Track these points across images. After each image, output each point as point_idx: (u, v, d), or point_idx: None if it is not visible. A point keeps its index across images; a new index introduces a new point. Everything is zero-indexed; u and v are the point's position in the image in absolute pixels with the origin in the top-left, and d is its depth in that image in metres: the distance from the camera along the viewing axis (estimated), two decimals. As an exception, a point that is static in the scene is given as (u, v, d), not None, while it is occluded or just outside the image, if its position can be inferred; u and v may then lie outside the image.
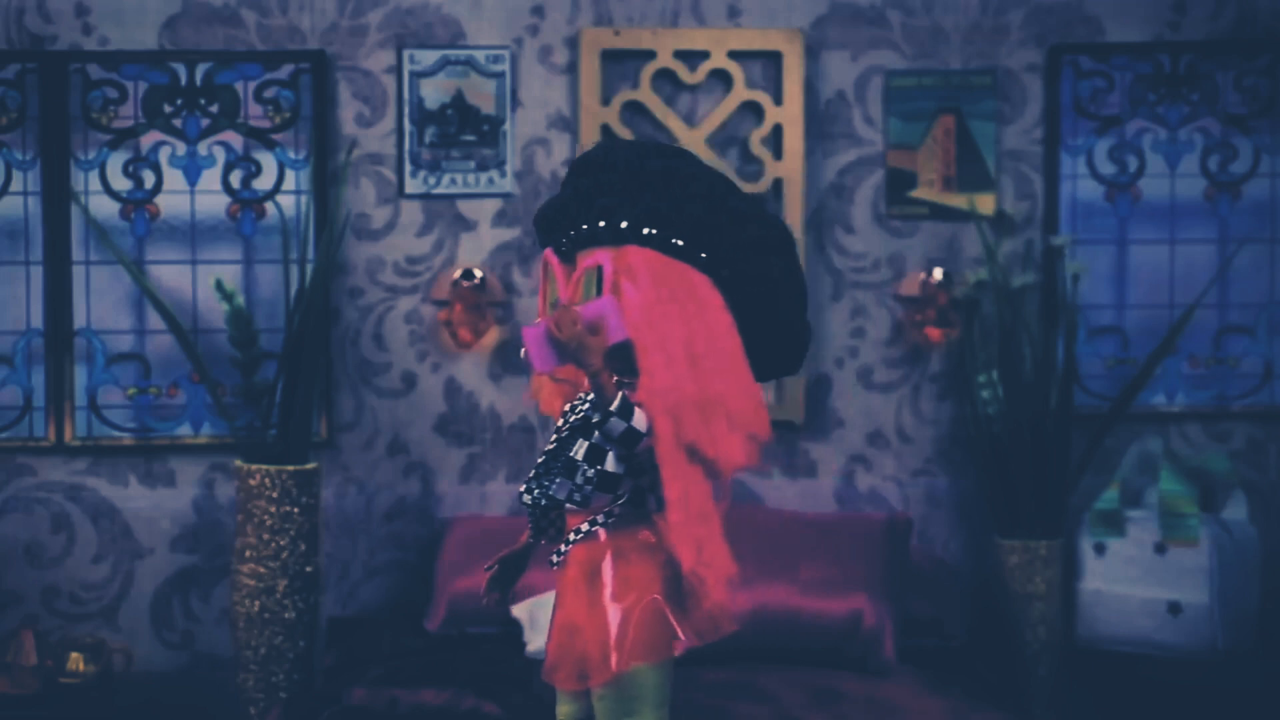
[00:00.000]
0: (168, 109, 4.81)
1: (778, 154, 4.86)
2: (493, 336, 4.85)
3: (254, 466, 4.43)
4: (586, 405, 2.81)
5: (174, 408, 4.85)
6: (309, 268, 4.59)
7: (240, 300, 4.54)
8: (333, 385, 4.85)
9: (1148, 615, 4.60)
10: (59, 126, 4.77)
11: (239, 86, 4.82)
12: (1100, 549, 4.67)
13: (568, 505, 2.82)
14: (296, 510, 4.44)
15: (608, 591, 2.79)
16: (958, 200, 4.91)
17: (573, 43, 4.87)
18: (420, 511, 4.89)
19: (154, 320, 4.78)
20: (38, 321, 4.81)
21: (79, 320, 4.81)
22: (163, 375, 4.85)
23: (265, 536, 4.43)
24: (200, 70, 4.81)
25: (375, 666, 4.21)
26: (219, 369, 4.76)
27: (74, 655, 4.48)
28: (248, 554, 4.45)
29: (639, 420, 2.69)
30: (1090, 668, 4.67)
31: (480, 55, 4.85)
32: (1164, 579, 4.59)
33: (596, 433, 2.76)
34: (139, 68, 4.79)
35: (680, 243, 2.79)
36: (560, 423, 2.88)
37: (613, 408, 2.68)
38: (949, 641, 4.58)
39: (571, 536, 2.82)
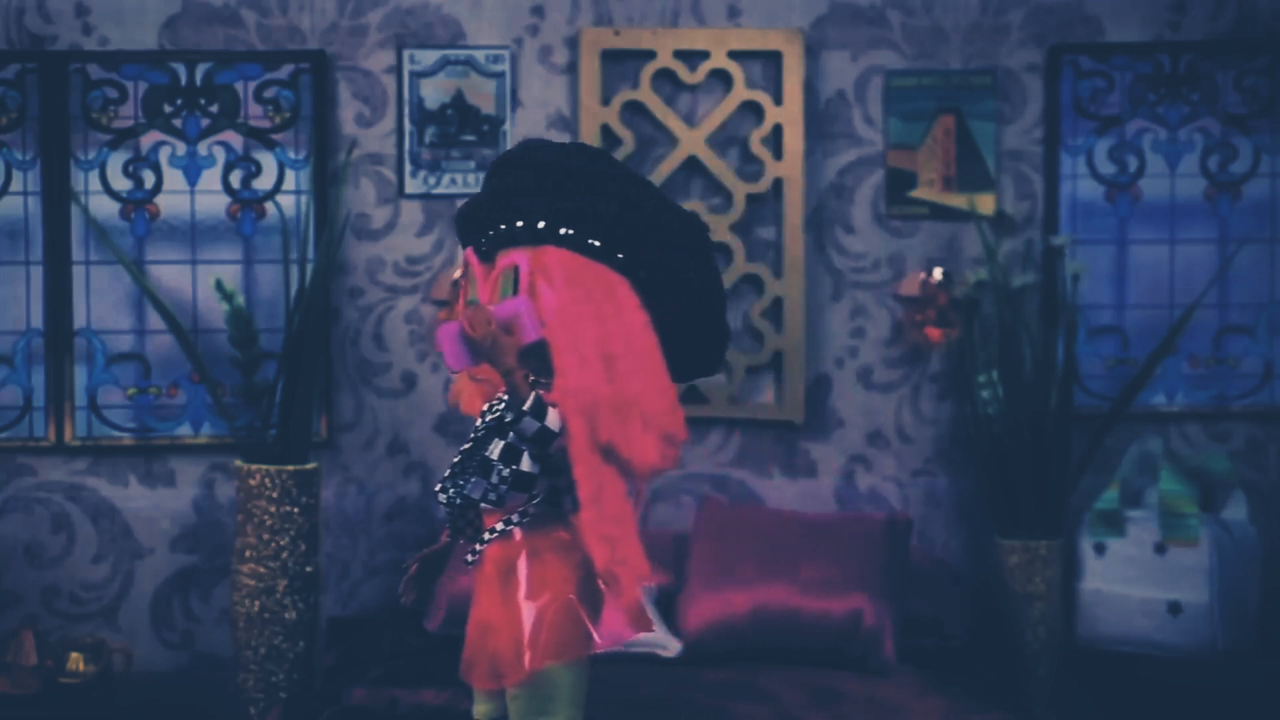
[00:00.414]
0: (168, 109, 4.81)
1: (778, 154, 4.86)
2: (493, 336, 4.84)
3: (254, 466, 4.43)
4: (502, 405, 2.82)
5: (174, 408, 4.85)
6: (309, 268, 4.59)
7: (240, 300, 4.54)
8: (333, 385, 4.85)
9: (1148, 615, 4.60)
10: (59, 126, 4.77)
11: (239, 86, 4.82)
12: (1100, 549, 4.67)
13: (483, 504, 2.82)
14: (296, 510, 4.44)
15: (521, 590, 2.80)
16: (958, 200, 4.90)
17: (573, 43, 4.87)
18: (420, 511, 4.89)
19: (154, 320, 4.78)
20: (38, 321, 4.81)
21: (79, 320, 4.81)
22: (163, 375, 4.85)
23: (265, 536, 4.43)
24: (200, 70, 4.81)
25: (375, 666, 4.21)
26: (219, 369, 4.76)
27: (74, 655, 4.48)
28: (248, 554, 4.45)
29: (553, 420, 2.70)
30: (1090, 668, 4.67)
31: (480, 55, 4.85)
32: (1164, 579, 4.59)
33: (511, 432, 2.77)
34: (139, 68, 4.79)
35: (597, 243, 2.79)
36: (478, 422, 2.89)
37: (526, 407, 2.69)
38: (949, 641, 4.58)
39: (486, 535, 2.83)
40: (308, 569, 4.48)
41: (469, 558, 2.86)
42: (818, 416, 4.92)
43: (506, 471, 2.80)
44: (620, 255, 2.81)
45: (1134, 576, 4.63)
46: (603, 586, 2.79)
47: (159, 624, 4.89)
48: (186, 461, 4.87)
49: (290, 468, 4.44)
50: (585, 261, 2.79)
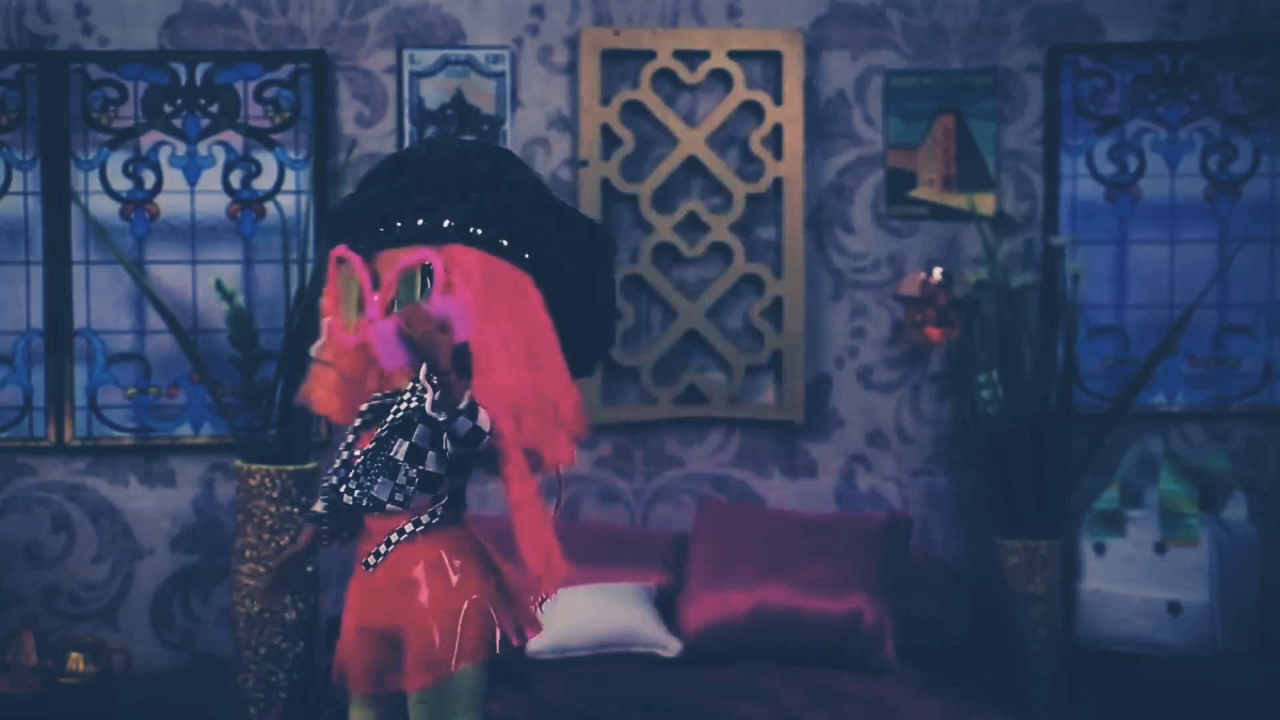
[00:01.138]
0: (168, 109, 4.81)
1: (778, 154, 4.86)
2: (493, 336, 4.84)
3: (254, 466, 4.43)
4: (404, 404, 2.81)
5: (174, 408, 4.85)
6: (309, 268, 4.59)
7: (240, 300, 4.54)
8: (333, 385, 4.84)
9: (1148, 615, 4.60)
10: (59, 126, 4.77)
11: (239, 86, 4.82)
12: (1100, 549, 4.67)
13: (389, 505, 2.81)
14: (296, 510, 4.44)
15: (425, 594, 2.79)
16: (958, 200, 4.90)
17: (573, 43, 4.86)
18: (420, 511, 4.89)
19: (154, 320, 4.78)
20: (38, 321, 4.81)
21: (79, 320, 4.81)
22: (163, 375, 4.85)
23: (265, 536, 4.43)
24: (200, 70, 4.81)
25: (375, 666, 4.20)
26: (219, 369, 4.76)
27: (74, 655, 4.48)
28: (248, 554, 4.45)
29: (483, 419, 2.69)
30: (1090, 668, 4.67)
31: (480, 55, 4.85)
32: (1164, 579, 4.59)
33: (417, 432, 2.76)
34: (139, 68, 4.79)
35: (506, 243, 2.79)
36: (358, 422, 2.87)
37: (461, 407, 2.67)
38: (949, 641, 4.58)
39: (393, 537, 2.82)
40: (308, 569, 4.47)
41: (371, 560, 2.85)
42: (818, 416, 4.92)
43: (414, 472, 2.80)
44: (527, 255, 2.81)
45: (1134, 576, 4.63)
46: (511, 588, 2.81)
47: (159, 624, 4.89)
48: (186, 461, 4.86)
49: (290, 468, 4.44)
50: (496, 261, 2.78)
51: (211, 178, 4.84)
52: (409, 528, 2.81)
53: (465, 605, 2.78)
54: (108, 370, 4.82)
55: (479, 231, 2.77)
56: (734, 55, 4.86)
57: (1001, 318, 4.63)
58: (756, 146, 4.85)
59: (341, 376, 2.93)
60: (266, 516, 4.43)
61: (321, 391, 2.96)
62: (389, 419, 2.82)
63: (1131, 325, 4.95)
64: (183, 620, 4.89)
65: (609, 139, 4.85)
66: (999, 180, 4.91)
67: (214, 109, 4.82)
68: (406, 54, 4.83)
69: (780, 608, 4.33)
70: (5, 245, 4.81)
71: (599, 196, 4.80)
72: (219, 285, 4.51)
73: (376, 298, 2.75)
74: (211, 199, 4.85)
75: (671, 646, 4.35)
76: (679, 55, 4.86)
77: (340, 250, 2.82)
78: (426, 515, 2.81)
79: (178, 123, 4.82)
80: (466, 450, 2.73)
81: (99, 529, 4.86)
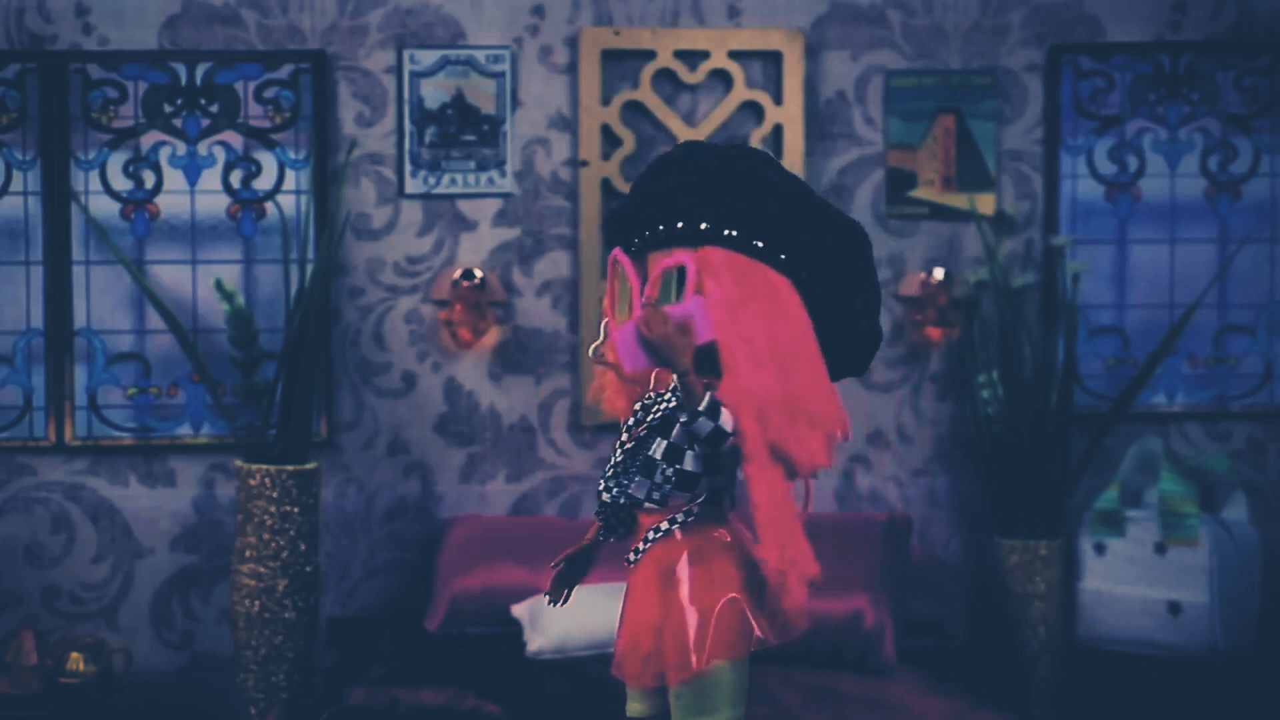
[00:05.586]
0: (168, 109, 4.81)
1: (778, 154, 4.86)
2: (493, 336, 4.85)
3: (254, 466, 4.43)
4: (664, 404, 2.83)
5: (174, 408, 4.85)
6: (309, 268, 4.59)
7: (240, 300, 4.54)
8: (333, 385, 4.85)
9: (1148, 615, 4.60)
10: (59, 126, 4.77)
11: (239, 86, 4.82)
12: (1100, 549, 4.67)
13: (646, 504, 2.83)
14: (296, 510, 4.44)
15: (685, 590, 2.81)
16: (958, 200, 4.91)
17: (573, 42, 4.87)
18: (420, 511, 4.89)
19: (154, 320, 4.78)
20: (38, 321, 4.81)
21: (79, 320, 4.81)
22: (163, 375, 4.85)
23: (265, 536, 4.43)
24: (200, 70, 4.81)
25: (375, 666, 4.21)
26: (219, 369, 4.76)
27: (74, 655, 4.48)
28: (248, 554, 4.45)
29: (726, 420, 2.71)
30: (1090, 668, 4.67)
31: (480, 55, 4.85)
32: (1164, 579, 4.59)
33: (675, 432, 2.78)
34: (139, 68, 4.79)
35: (760, 244, 2.80)
36: (630, 421, 2.89)
37: (701, 408, 2.70)
38: (949, 641, 4.58)
39: (650, 535, 2.84)
40: (308, 569, 4.48)
41: (631, 557, 2.88)
42: (818, 416, 4.92)
43: (670, 471, 2.81)
44: (783, 256, 2.82)
45: (1134, 576, 4.63)
46: (771, 585, 2.81)
47: (159, 624, 4.89)
48: (186, 461, 4.87)
49: (290, 468, 4.44)
50: (750, 262, 2.79)
51: (211, 178, 4.84)
52: (665, 525, 2.83)
53: (721, 602, 2.79)
54: (108, 370, 4.82)
55: (734, 233, 2.79)
56: (734, 55, 4.86)
57: (1001, 318, 4.63)
58: (757, 146, 4.85)
59: (620, 377, 2.95)
60: (266, 516, 4.43)
61: (609, 392, 2.99)
62: (649, 419, 2.85)
63: (1131, 325, 4.96)
64: (183, 620, 4.89)
65: (609, 139, 4.85)
66: (999, 180, 4.91)
67: (214, 109, 4.82)
68: (406, 54, 4.83)
69: (780, 608, 4.33)
70: (5, 245, 4.81)
71: (599, 196, 4.80)
72: (219, 285, 4.51)
73: (642, 299, 2.78)
74: (211, 199, 4.85)
75: (672, 646, 4.35)
76: (679, 55, 4.86)
77: (615, 253, 2.85)
78: (682, 514, 2.83)
79: (178, 123, 4.82)
80: (710, 450, 2.75)
81: (99, 529, 4.86)
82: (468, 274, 4.80)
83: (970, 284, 4.78)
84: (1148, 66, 4.92)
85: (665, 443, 2.81)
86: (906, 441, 4.94)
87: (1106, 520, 4.65)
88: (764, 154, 2.87)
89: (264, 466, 4.43)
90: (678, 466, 2.81)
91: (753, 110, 4.88)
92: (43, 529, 4.85)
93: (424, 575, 4.81)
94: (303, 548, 4.45)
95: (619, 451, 2.88)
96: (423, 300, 4.88)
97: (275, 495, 4.42)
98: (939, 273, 4.86)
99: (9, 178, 4.80)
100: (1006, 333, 4.62)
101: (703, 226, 2.79)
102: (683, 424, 2.73)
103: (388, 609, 4.87)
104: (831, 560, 4.41)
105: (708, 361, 2.75)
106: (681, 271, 2.78)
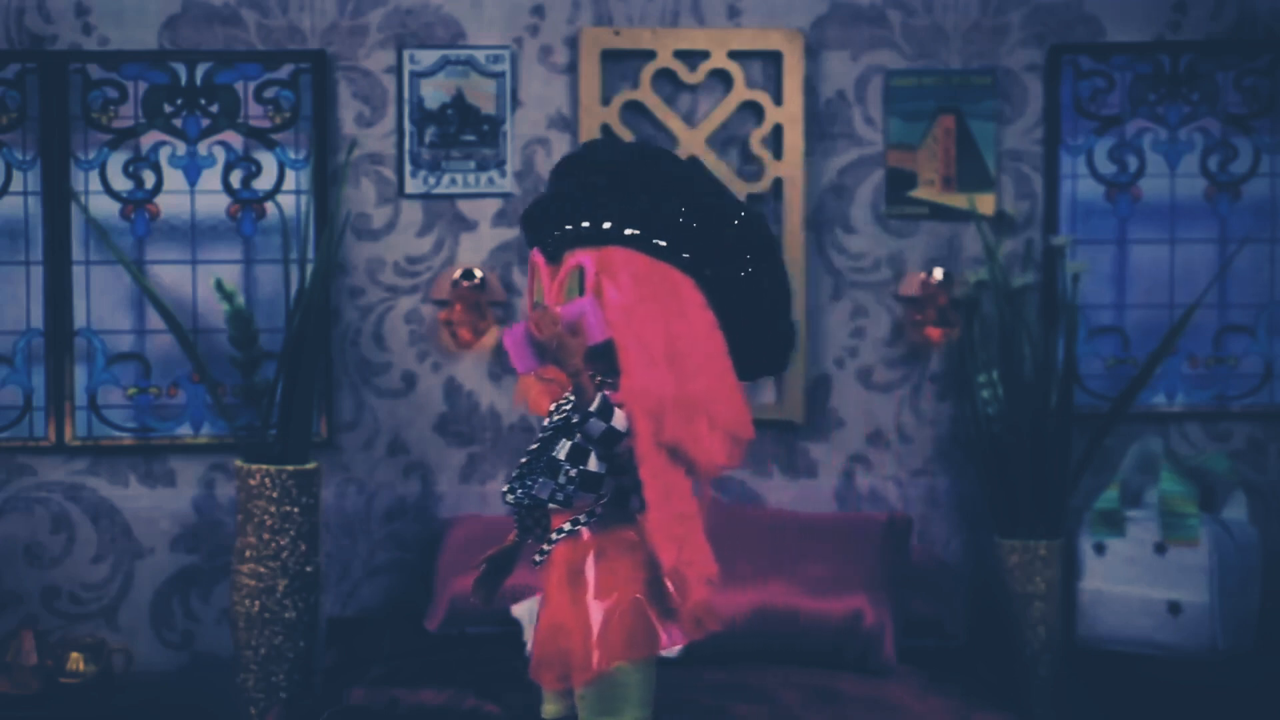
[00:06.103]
0: (168, 109, 4.81)
1: (778, 154, 4.86)
2: (493, 336, 4.85)
3: (254, 466, 4.43)
4: (569, 406, 2.82)
5: (174, 408, 4.85)
6: (309, 268, 4.59)
7: (240, 300, 4.54)
8: (333, 385, 4.85)
9: (1148, 615, 4.60)
10: (59, 126, 4.77)
11: (239, 86, 4.82)
12: (1100, 549, 4.67)
13: (550, 505, 2.83)
14: (296, 510, 4.44)
15: (590, 590, 2.80)
16: (958, 200, 4.91)
17: (573, 42, 4.87)
18: (420, 511, 4.89)
19: (154, 320, 4.78)
20: (38, 321, 4.81)
21: (79, 320, 4.81)
22: (163, 375, 4.85)
23: (265, 536, 4.43)
24: (200, 70, 4.81)
25: (375, 666, 4.21)
26: (219, 369, 4.76)
27: (74, 655, 4.48)
28: (248, 554, 4.45)
29: (619, 420, 2.70)
30: (1090, 668, 4.67)
31: (480, 55, 4.85)
32: (1164, 579, 4.59)
33: (578, 433, 2.77)
34: (139, 68, 4.79)
35: (662, 243, 2.80)
36: (545, 422, 2.89)
37: (592, 408, 2.69)
38: (949, 641, 4.58)
39: (554, 536, 2.83)
40: (308, 569, 4.48)
41: (536, 558, 2.87)
42: (818, 416, 4.92)
43: (574, 472, 2.80)
44: (685, 255, 2.81)
45: (1134, 576, 4.63)
46: (669, 587, 2.80)
47: (159, 624, 4.89)
48: (186, 461, 4.87)
49: (290, 468, 4.44)
50: (651, 261, 2.79)
51: (211, 178, 4.84)
52: (568, 526, 2.82)
53: (622, 604, 2.78)
54: (108, 370, 4.82)
55: (635, 232, 2.79)
56: (734, 55, 4.86)
57: (1001, 318, 4.63)
58: (756, 146, 4.85)
59: (540, 378, 2.95)
60: (266, 516, 4.43)
61: (533, 393, 2.99)
62: (552, 419, 2.85)
63: (1131, 325, 4.96)
64: (183, 620, 4.89)
65: (609, 139, 4.85)
66: (999, 180, 4.91)
67: (214, 109, 4.82)
68: (406, 54, 4.83)
69: (780, 608, 4.33)
70: (5, 245, 4.81)
71: (599, 196, 4.80)
72: (219, 285, 4.51)
73: (533, 300, 2.79)
74: (211, 199, 4.85)
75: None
76: (679, 55, 4.86)
77: (533, 254, 2.86)
78: (585, 515, 2.82)
79: (178, 123, 4.82)
80: (605, 451, 2.75)
81: (99, 529, 4.86)
82: (468, 274, 4.80)
83: (970, 284, 4.78)
84: (1148, 66, 4.92)
85: (569, 443, 2.80)
86: (906, 441, 4.94)
87: (1106, 520, 4.65)
88: (666, 152, 2.87)
89: (264, 466, 4.43)
90: (581, 467, 2.79)
91: (753, 110, 4.88)
92: (43, 529, 4.85)
93: (424, 575, 4.81)
94: (303, 548, 4.45)
95: (526, 453, 2.88)
96: (423, 300, 4.88)
97: (275, 495, 4.42)
98: (939, 273, 4.86)
99: (9, 178, 4.80)
100: (1006, 333, 4.62)
101: (605, 226, 2.79)
102: (575, 425, 2.72)
103: (388, 609, 4.87)
104: (831, 560, 4.44)
105: (610, 363, 2.75)
106: (583, 272, 2.78)
